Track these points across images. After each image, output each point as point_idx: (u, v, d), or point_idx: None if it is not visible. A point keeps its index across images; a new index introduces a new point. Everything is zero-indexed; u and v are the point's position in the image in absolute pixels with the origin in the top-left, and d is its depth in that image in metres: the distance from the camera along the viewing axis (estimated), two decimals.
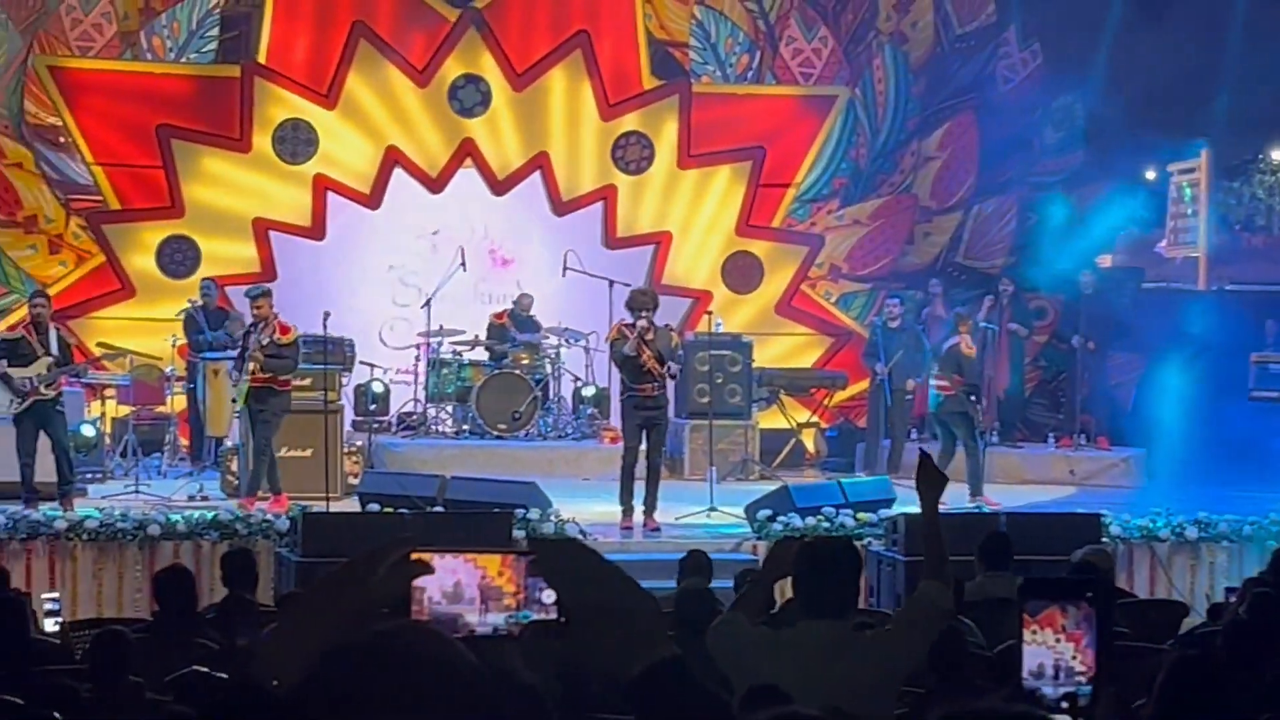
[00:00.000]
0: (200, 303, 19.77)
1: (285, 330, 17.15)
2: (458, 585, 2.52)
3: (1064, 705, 3.44)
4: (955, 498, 17.79)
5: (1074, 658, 3.43)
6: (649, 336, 16.19)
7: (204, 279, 20.36)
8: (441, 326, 21.12)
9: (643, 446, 16.39)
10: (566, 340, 21.07)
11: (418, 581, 2.43)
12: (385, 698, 2.13)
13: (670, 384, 17.07)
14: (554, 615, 2.54)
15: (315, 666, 2.16)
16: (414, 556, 2.32)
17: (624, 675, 2.32)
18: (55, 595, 11.67)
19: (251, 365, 16.86)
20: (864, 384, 21.59)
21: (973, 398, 18.56)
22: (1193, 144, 23.83)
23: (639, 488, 16.33)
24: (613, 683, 2.34)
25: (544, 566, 2.40)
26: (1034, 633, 3.43)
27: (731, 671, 6.05)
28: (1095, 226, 23.37)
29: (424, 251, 22.23)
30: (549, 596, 2.51)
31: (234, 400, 17.26)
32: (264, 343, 16.88)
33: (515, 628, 2.53)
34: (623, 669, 2.33)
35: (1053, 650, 3.42)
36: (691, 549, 12.04)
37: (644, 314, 16.26)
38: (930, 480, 6.27)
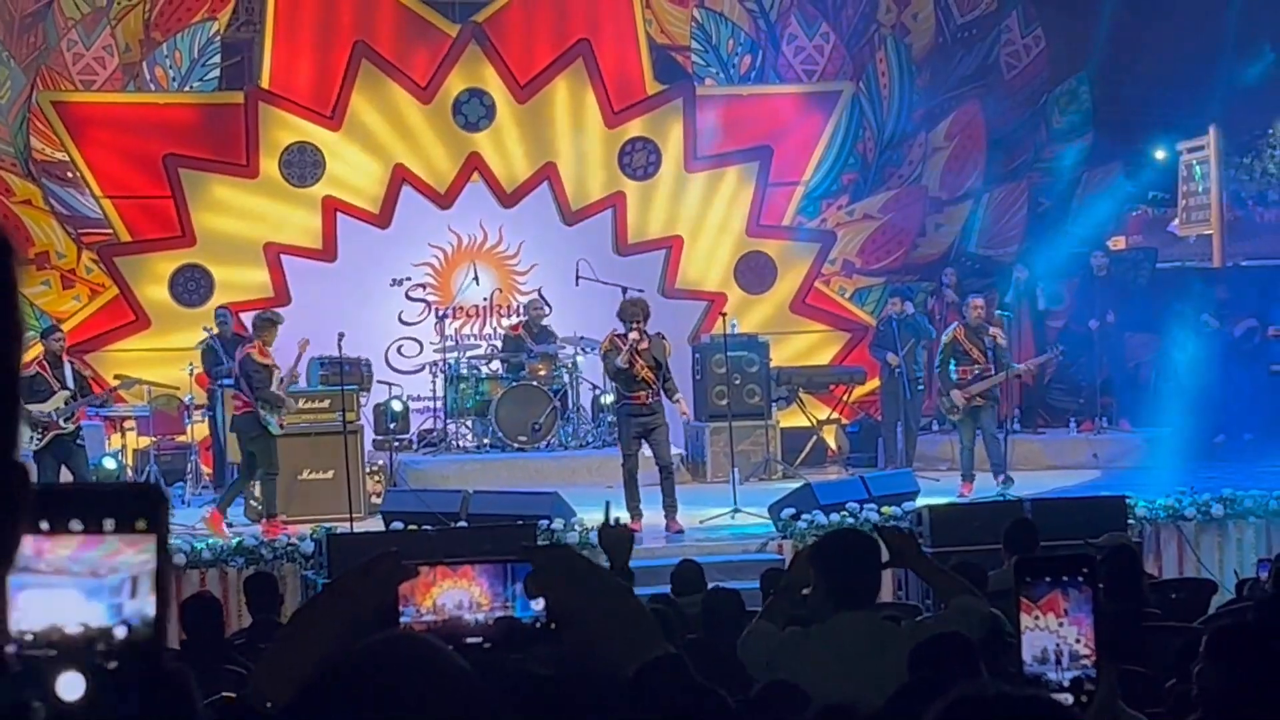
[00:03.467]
0: (217, 332, 19.75)
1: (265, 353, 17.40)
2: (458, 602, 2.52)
3: (1068, 686, 3.41)
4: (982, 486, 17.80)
5: (1077, 641, 3.41)
6: (641, 347, 16.17)
7: (219, 308, 20.31)
8: (458, 341, 21.17)
9: (646, 453, 16.37)
10: (582, 349, 21.05)
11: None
12: (377, 709, 2.12)
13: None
14: (520, 612, 2.53)
15: (307, 685, 2.15)
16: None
17: (620, 675, 2.31)
18: None
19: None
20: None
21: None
22: (1201, 122, 23.77)
23: (645, 493, 16.29)
24: (611, 684, 2.33)
25: (538, 574, 2.38)
26: (1036, 618, 3.41)
27: (764, 677, 6.04)
28: (1105, 208, 23.38)
29: (435, 268, 22.20)
30: (529, 604, 2.50)
31: (240, 438, 17.28)
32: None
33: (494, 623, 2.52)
34: (619, 669, 2.31)
35: (1055, 635, 3.40)
36: (684, 558, 12.17)
37: (635, 324, 16.26)
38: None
